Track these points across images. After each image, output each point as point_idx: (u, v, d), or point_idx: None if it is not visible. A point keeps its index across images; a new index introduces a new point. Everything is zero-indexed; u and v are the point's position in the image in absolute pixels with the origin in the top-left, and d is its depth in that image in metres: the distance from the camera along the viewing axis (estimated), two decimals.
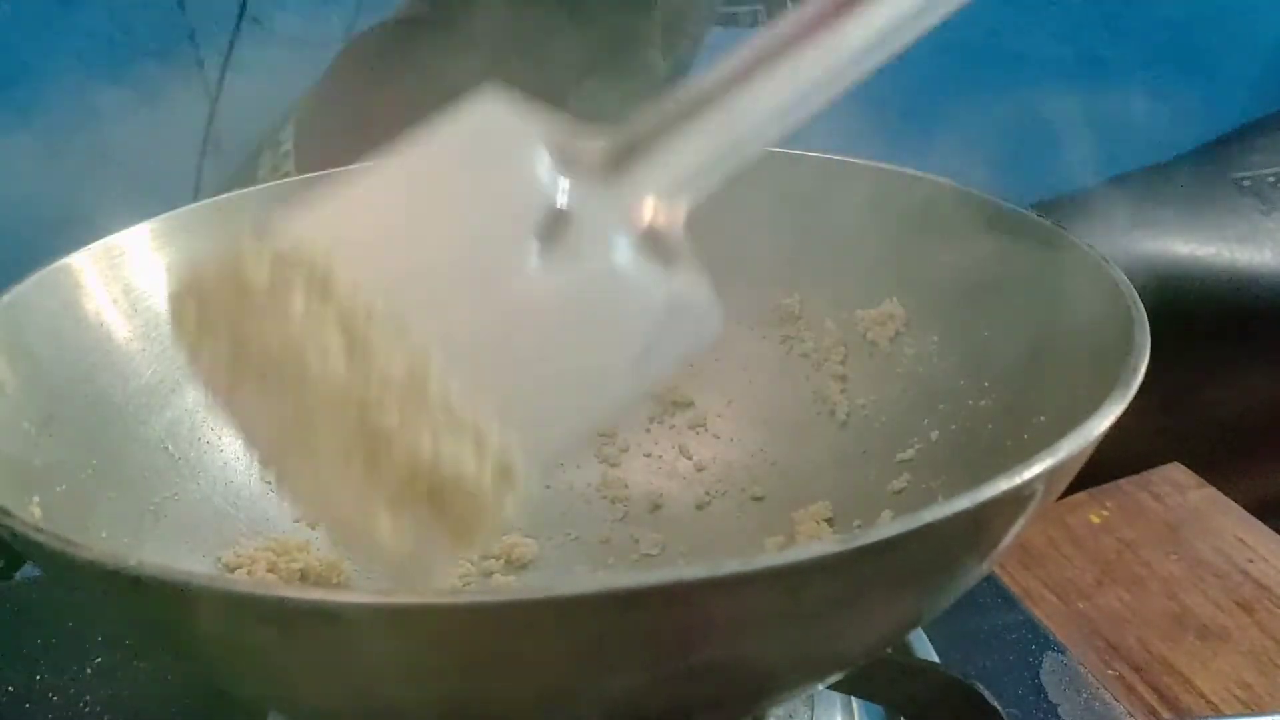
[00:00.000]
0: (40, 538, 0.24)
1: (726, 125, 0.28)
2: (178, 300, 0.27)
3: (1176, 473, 0.61)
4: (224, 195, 0.44)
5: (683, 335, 0.29)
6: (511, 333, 0.27)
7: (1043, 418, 0.35)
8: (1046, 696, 0.39)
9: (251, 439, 0.26)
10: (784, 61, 0.28)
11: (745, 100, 0.28)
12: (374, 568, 0.31)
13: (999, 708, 0.35)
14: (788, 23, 0.28)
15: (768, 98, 0.28)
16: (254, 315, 0.26)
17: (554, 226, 0.28)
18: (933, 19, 0.29)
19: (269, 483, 0.42)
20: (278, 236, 0.27)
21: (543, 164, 0.28)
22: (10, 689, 0.40)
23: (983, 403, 0.38)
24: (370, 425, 0.24)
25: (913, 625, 0.37)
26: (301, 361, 0.25)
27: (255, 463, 0.26)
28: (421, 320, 0.26)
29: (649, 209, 0.28)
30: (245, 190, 0.45)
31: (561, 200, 0.28)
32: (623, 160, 0.28)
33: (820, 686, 0.34)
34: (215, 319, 0.26)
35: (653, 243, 0.29)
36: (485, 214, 0.28)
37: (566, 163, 0.28)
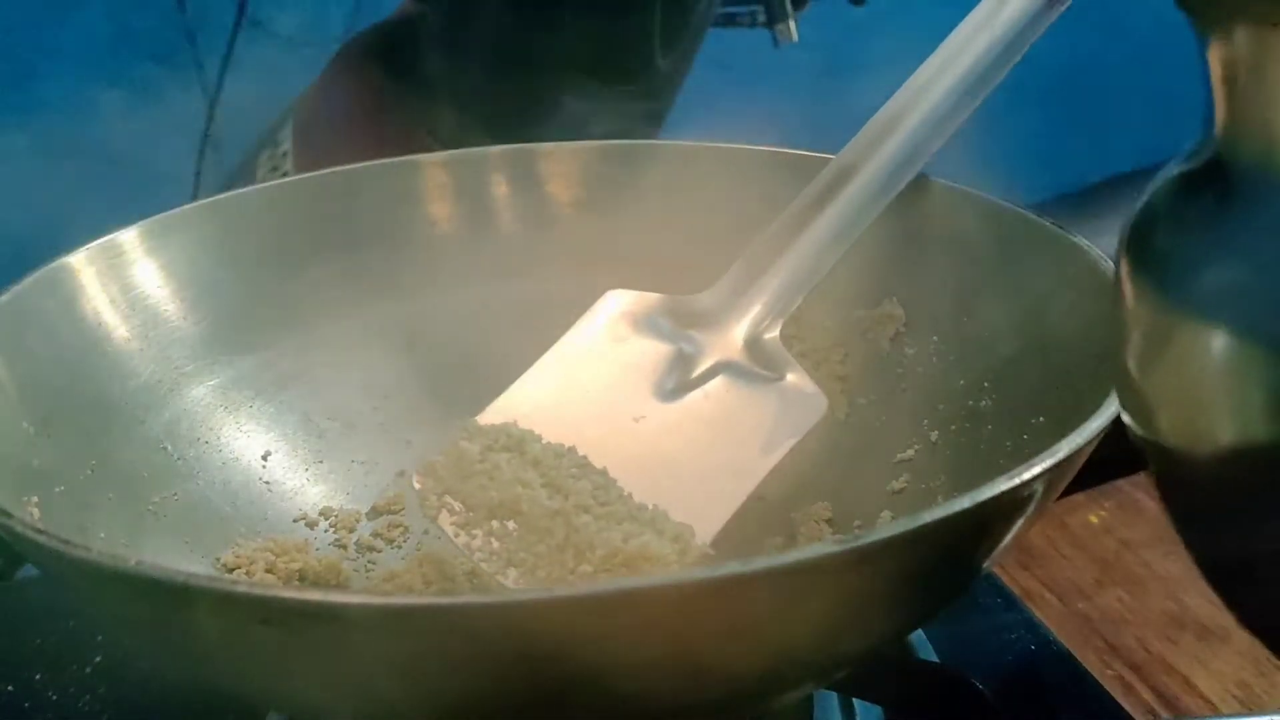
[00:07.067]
0: (39, 538, 0.24)
1: (794, 266, 0.40)
2: (422, 485, 0.38)
3: None
4: (222, 195, 0.44)
5: (797, 418, 0.38)
6: (665, 448, 0.38)
7: (1043, 418, 0.35)
8: (1046, 696, 0.39)
9: (488, 560, 0.35)
10: (818, 216, 0.40)
11: (804, 244, 0.40)
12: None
13: (998, 708, 0.35)
14: (809, 193, 0.40)
15: (814, 245, 0.40)
16: (475, 478, 0.37)
17: (685, 366, 0.40)
18: (928, 153, 0.40)
19: (266, 482, 0.42)
20: (481, 419, 0.39)
21: (665, 326, 0.41)
22: (10, 689, 0.40)
23: (983, 403, 0.38)
24: (575, 532, 0.34)
25: (913, 625, 0.37)
26: (516, 500, 0.36)
27: (497, 575, 0.35)
28: (595, 451, 0.38)
29: (750, 337, 0.40)
30: (243, 190, 0.45)
31: (686, 348, 0.41)
32: (724, 309, 0.41)
33: (820, 686, 0.34)
34: (448, 489, 0.37)
35: (760, 357, 0.40)
36: (629, 369, 0.40)
37: (684, 322, 0.41)
